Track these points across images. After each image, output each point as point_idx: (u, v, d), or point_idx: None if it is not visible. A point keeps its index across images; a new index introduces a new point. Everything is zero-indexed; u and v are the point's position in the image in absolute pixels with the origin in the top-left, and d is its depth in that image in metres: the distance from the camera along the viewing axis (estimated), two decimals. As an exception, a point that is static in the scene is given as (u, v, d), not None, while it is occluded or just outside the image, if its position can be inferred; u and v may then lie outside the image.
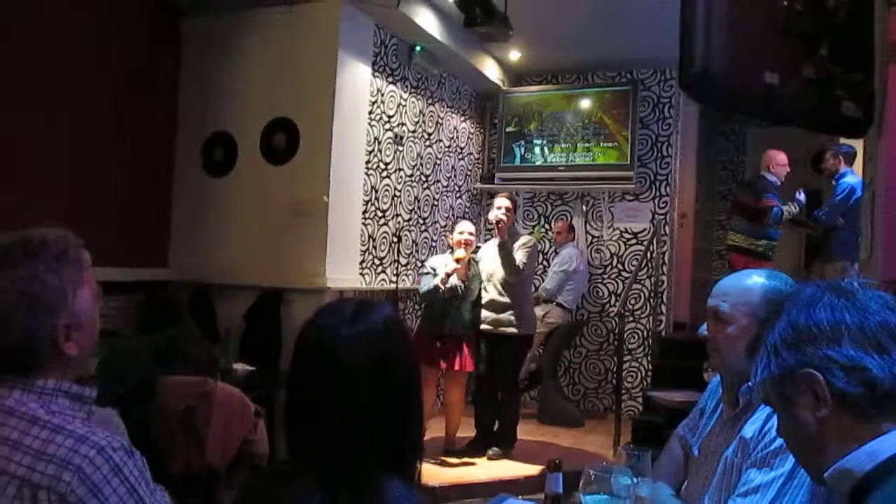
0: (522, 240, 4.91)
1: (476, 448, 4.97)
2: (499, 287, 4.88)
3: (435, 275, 4.79)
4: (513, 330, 4.87)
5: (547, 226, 7.03)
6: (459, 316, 4.80)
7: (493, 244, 4.98)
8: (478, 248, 5.17)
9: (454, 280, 4.74)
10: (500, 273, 4.84)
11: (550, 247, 6.86)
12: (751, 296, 1.68)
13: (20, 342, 1.18)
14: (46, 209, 4.22)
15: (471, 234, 4.88)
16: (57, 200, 4.32)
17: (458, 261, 4.73)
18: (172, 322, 2.88)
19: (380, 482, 1.07)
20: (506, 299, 4.86)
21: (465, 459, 4.87)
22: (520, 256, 4.77)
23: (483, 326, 4.92)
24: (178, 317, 2.95)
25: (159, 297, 3.47)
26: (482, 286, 4.94)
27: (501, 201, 4.90)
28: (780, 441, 1.46)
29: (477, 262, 4.99)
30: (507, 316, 4.86)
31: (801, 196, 5.53)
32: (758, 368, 1.05)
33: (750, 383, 1.64)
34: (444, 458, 4.86)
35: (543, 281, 6.38)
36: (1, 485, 1.10)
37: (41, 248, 1.22)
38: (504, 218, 4.76)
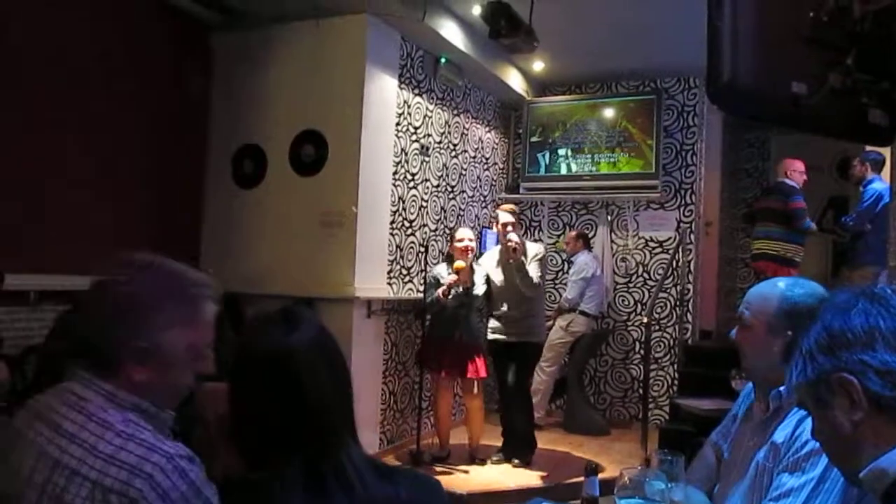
0: (532, 251, 4.88)
1: (504, 455, 4.99)
2: (511, 300, 4.88)
3: (438, 285, 4.82)
4: (522, 338, 4.89)
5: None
6: (468, 323, 4.83)
7: (496, 254, 4.99)
8: (480, 253, 5.19)
9: (457, 288, 4.76)
10: (512, 287, 4.85)
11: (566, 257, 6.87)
12: (768, 304, 1.74)
13: (98, 340, 1.26)
14: (82, 218, 4.33)
15: (470, 240, 4.91)
16: (91, 210, 4.43)
17: (457, 271, 4.74)
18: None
19: (351, 452, 1.22)
20: (518, 311, 4.88)
21: (492, 467, 4.90)
22: (533, 271, 4.77)
23: (494, 336, 4.95)
24: (216, 325, 2.98)
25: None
26: (494, 299, 4.96)
27: (505, 217, 4.87)
28: (811, 445, 1.49)
29: (479, 266, 5.01)
30: (518, 325, 4.88)
31: (812, 225, 5.54)
32: (793, 372, 1.08)
33: (781, 388, 1.68)
34: (470, 465, 4.89)
35: (564, 292, 6.41)
36: (75, 485, 1.15)
37: (169, 277, 1.30)
38: (518, 240, 4.72)
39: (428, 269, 5.59)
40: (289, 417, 1.19)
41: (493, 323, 4.98)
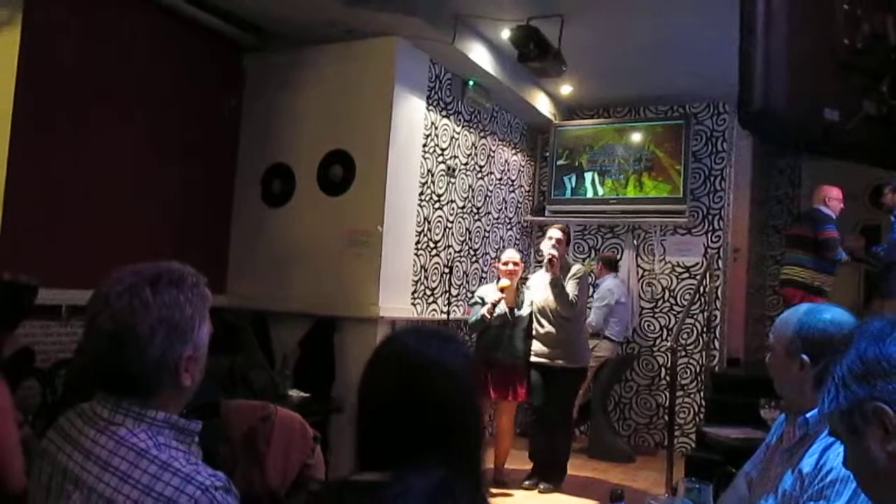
0: (572, 270, 4.88)
1: (532, 481, 4.94)
2: (551, 319, 4.87)
3: (483, 304, 4.83)
4: (566, 363, 4.85)
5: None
6: (512, 345, 4.81)
7: (543, 275, 4.98)
8: (526, 277, 5.17)
9: (502, 307, 4.76)
10: (551, 305, 4.84)
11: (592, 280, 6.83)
12: (786, 329, 1.76)
13: (151, 367, 1.22)
14: (113, 234, 4.40)
15: (515, 263, 4.91)
16: (123, 226, 4.50)
17: (502, 290, 4.76)
18: (238, 348, 2.94)
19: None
20: (559, 332, 4.85)
21: (517, 491, 4.84)
22: (571, 289, 4.76)
23: (536, 359, 4.90)
24: (243, 343, 3.01)
25: (227, 323, 3.55)
26: (535, 318, 4.94)
27: (553, 232, 4.90)
28: (834, 473, 1.49)
29: (528, 289, 5.00)
30: (560, 348, 4.85)
31: (844, 256, 5.39)
32: (825, 399, 1.07)
33: (808, 415, 1.67)
34: (493, 488, 4.83)
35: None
36: None
37: (181, 279, 1.27)
38: (556, 254, 4.74)
39: (452, 290, 5.59)
40: (428, 423, 1.20)
41: (535, 346, 4.93)
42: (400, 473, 1.13)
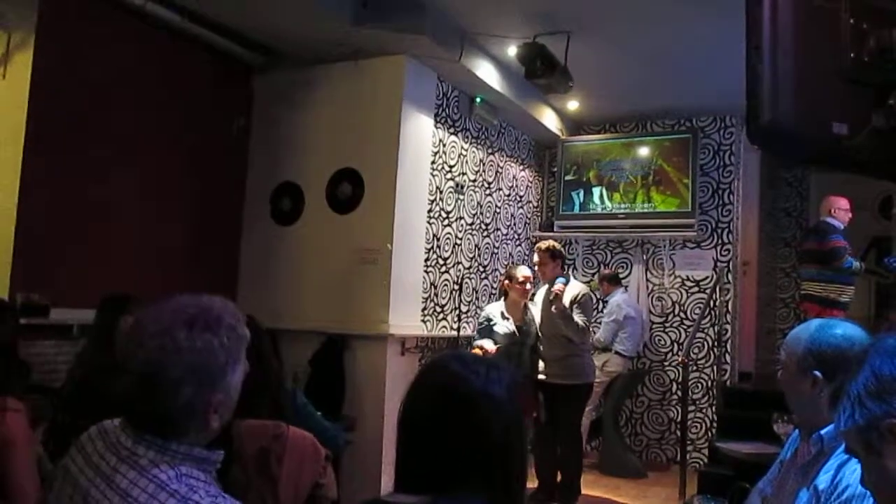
0: (569, 294, 4.76)
1: (538, 500, 4.90)
2: (551, 338, 4.83)
3: (491, 325, 4.75)
4: (567, 380, 4.81)
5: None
6: (521, 361, 4.78)
7: (546, 292, 4.95)
8: (533, 293, 5.14)
9: (510, 326, 4.69)
10: (552, 325, 4.80)
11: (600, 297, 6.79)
12: (797, 346, 1.76)
13: (178, 410, 1.21)
14: (124, 254, 4.43)
15: (531, 281, 4.85)
16: (133, 246, 4.53)
17: (482, 350, 4.56)
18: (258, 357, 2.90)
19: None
20: (559, 349, 4.82)
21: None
22: (578, 317, 4.73)
23: (540, 376, 4.87)
24: (262, 352, 2.96)
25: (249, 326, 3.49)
26: (540, 335, 4.92)
27: (536, 258, 4.94)
28: (850, 490, 1.48)
29: (535, 305, 4.98)
30: (561, 366, 4.81)
31: (854, 264, 5.30)
32: (841, 417, 1.06)
33: (822, 432, 1.66)
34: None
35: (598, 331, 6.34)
36: None
37: (217, 322, 1.25)
38: (559, 288, 4.67)
39: (462, 306, 5.58)
40: (471, 450, 1.18)
41: (540, 363, 4.90)
42: (437, 498, 1.12)
